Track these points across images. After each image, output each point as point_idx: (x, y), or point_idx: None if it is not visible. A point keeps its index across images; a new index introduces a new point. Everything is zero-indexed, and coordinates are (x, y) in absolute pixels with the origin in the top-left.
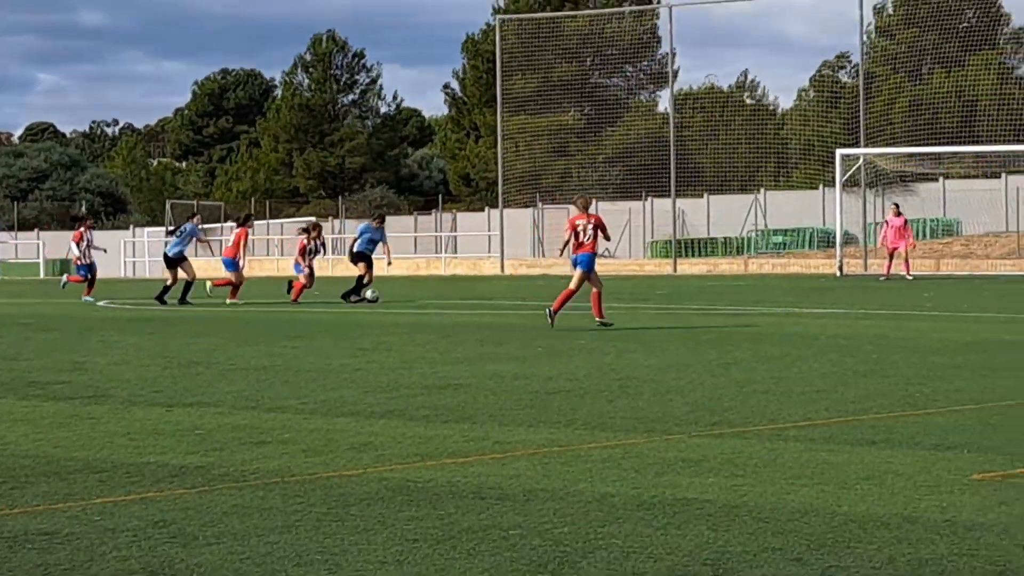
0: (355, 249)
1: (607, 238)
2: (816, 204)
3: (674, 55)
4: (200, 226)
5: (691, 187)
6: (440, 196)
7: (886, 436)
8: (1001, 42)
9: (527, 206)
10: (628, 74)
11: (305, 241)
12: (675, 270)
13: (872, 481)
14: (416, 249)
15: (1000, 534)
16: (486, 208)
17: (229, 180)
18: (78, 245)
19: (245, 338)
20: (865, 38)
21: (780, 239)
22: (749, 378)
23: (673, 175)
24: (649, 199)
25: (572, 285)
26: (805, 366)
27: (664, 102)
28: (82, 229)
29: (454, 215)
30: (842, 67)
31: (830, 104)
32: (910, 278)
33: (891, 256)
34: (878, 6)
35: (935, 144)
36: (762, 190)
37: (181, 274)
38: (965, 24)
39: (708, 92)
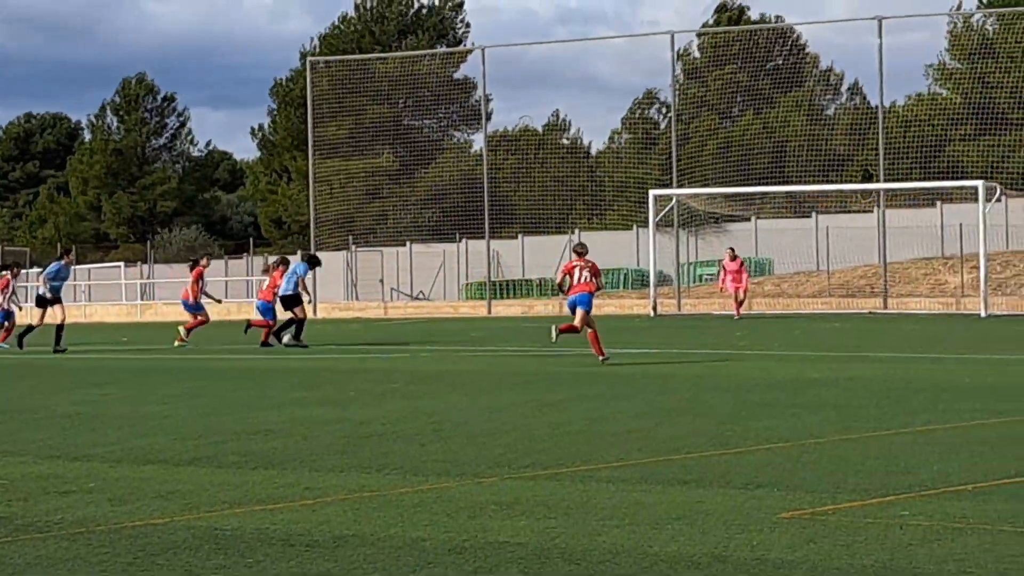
0: (288, 292)
1: (599, 286)
2: (630, 244)
3: (488, 97)
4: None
5: (505, 228)
6: (251, 239)
7: (698, 475)
8: (810, 83)
9: (340, 249)
10: (441, 116)
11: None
12: (490, 312)
13: (683, 521)
14: (228, 293)
15: (808, 572)
16: (298, 251)
17: (33, 225)
18: (3, 292)
19: (53, 386)
20: (677, 79)
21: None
22: (563, 419)
23: (487, 216)
24: (463, 241)
25: (576, 323)
26: (619, 406)
27: (478, 143)
28: (7, 276)
29: (265, 258)
30: (652, 104)
31: (643, 145)
32: (736, 318)
33: (736, 295)
34: (680, 51)
35: (747, 184)
36: (576, 231)
37: (50, 317)
38: (773, 64)
39: (522, 133)
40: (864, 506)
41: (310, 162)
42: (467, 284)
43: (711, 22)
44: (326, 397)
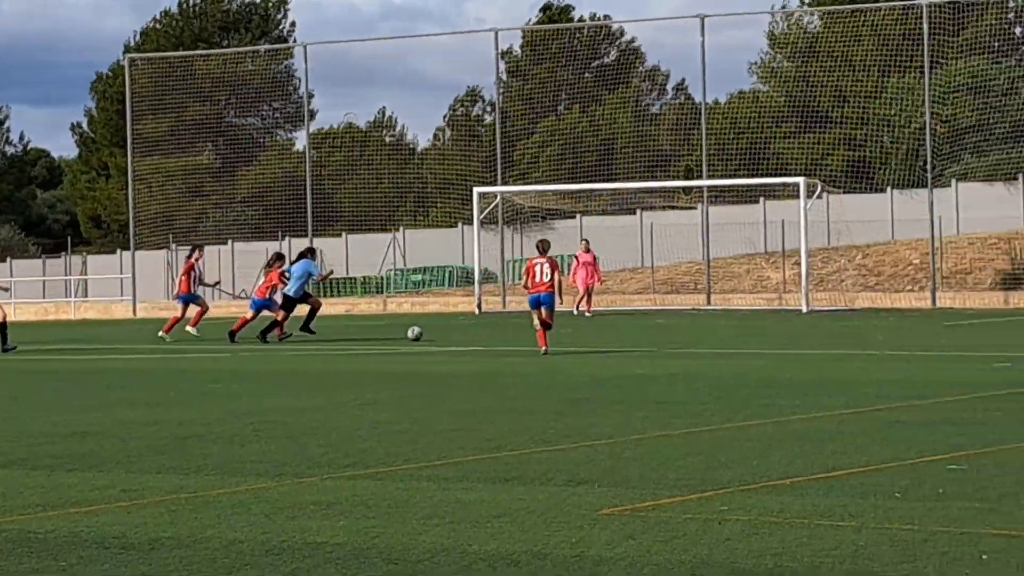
0: (294, 293)
1: (559, 280)
2: (455, 242)
3: (311, 94)
4: None
5: (329, 226)
6: (69, 238)
7: (520, 473)
8: (636, 81)
9: (160, 248)
10: (264, 113)
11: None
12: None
13: (504, 519)
14: (45, 293)
15: (627, 568)
16: (118, 250)
17: None
18: None
19: None
20: (501, 77)
21: (419, 277)
22: (387, 418)
23: (310, 215)
24: (286, 239)
25: (544, 319)
26: (443, 405)
27: (301, 141)
28: None
29: (84, 258)
30: (476, 102)
31: (467, 142)
32: (588, 315)
33: (587, 292)
34: (505, 49)
35: (573, 181)
36: (401, 228)
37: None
38: (599, 62)
39: (347, 130)
40: (684, 502)
41: (129, 159)
42: None
43: (535, 20)
44: (145, 398)
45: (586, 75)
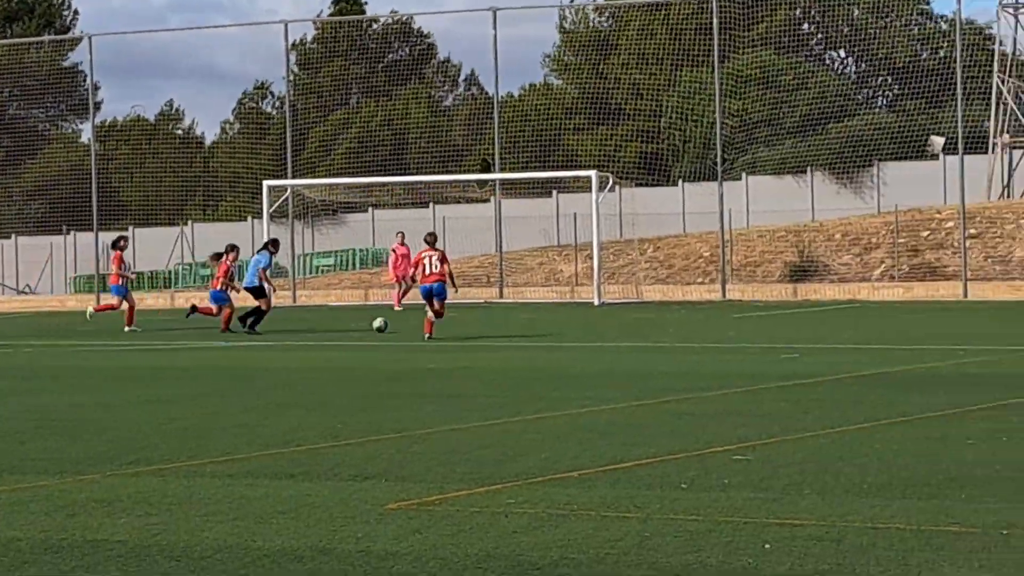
0: (252, 285)
1: (450, 272)
2: (245, 236)
3: (97, 86)
4: None
5: (116, 220)
6: None
7: (306, 468)
8: (429, 74)
9: None
10: (49, 105)
11: (228, 264)
12: (99, 304)
13: (289, 515)
14: None
15: (413, 562)
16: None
17: None
18: None
19: None
20: (294, 69)
21: (208, 272)
22: (172, 415)
23: (95, 208)
24: (72, 233)
25: (436, 309)
26: (231, 401)
27: (87, 134)
28: None
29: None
30: (265, 96)
31: (259, 135)
32: (398, 309)
33: (400, 284)
34: (296, 41)
35: (365, 174)
36: (190, 222)
37: None
38: (392, 55)
39: (134, 123)
40: (471, 495)
41: None
42: (75, 277)
43: (328, 13)
44: None
45: (379, 68)
